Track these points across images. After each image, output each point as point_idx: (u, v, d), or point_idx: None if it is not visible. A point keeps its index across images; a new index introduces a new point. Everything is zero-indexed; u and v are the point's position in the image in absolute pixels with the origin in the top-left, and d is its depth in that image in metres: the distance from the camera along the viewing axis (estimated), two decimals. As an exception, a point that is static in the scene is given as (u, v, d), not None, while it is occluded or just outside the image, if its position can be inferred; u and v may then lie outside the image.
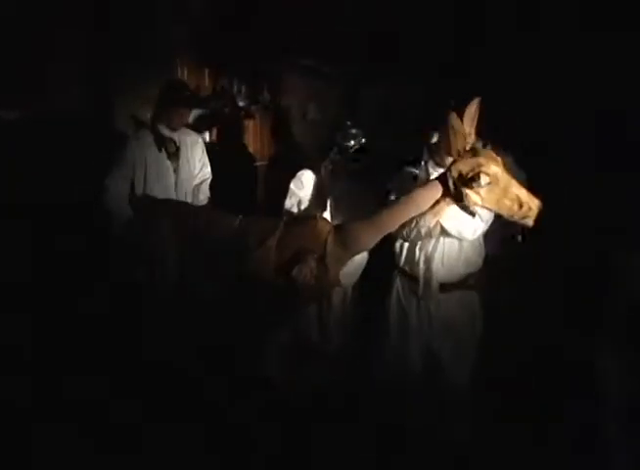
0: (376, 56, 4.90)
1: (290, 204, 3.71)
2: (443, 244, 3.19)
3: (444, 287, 3.24)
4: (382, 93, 4.87)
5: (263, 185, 5.59)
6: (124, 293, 3.54)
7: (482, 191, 2.72)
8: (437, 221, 3.01)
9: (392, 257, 3.39)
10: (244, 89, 5.96)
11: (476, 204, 2.77)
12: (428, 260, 3.22)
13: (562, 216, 3.37)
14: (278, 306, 3.20)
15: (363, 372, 3.50)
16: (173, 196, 4.15)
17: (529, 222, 2.73)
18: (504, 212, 2.76)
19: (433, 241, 3.19)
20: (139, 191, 4.04)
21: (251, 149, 5.88)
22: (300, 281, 2.98)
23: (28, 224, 4.27)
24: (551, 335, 3.44)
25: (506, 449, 3.25)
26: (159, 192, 4.08)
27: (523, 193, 2.71)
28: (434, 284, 3.23)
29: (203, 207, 4.25)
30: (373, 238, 3.00)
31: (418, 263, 3.25)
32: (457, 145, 2.78)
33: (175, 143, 4.19)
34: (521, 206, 2.70)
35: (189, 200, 4.26)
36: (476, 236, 3.10)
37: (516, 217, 2.75)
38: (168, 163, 4.16)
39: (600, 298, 3.15)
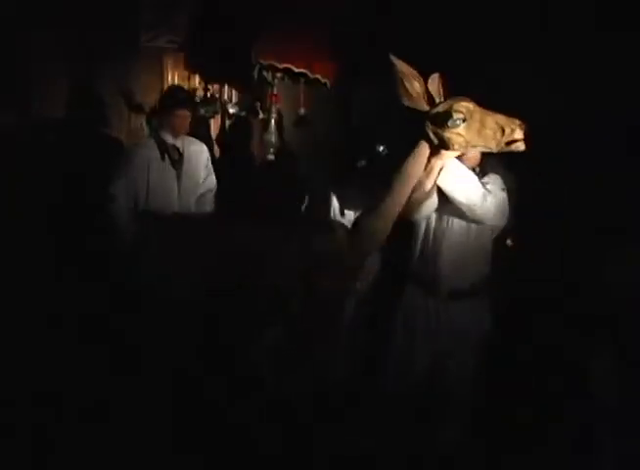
0: (367, 56, 4.91)
1: (305, 208, 3.72)
2: (451, 236, 3.20)
3: (454, 291, 3.24)
4: (374, 94, 4.87)
5: (257, 190, 5.57)
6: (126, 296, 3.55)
7: (462, 130, 2.68)
8: (434, 183, 2.95)
9: (404, 260, 3.39)
10: (235, 96, 5.96)
11: (461, 145, 2.72)
12: (436, 252, 3.24)
13: (562, 216, 3.40)
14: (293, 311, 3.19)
15: (368, 376, 3.49)
16: (176, 204, 4.20)
17: (520, 147, 2.65)
18: (491, 145, 2.69)
19: (444, 236, 3.22)
20: (142, 199, 4.09)
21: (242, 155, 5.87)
22: (321, 288, 2.98)
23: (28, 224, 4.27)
24: (551, 335, 3.44)
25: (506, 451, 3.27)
26: (161, 200, 4.13)
27: (500, 118, 2.66)
28: (444, 285, 3.24)
29: (210, 216, 4.25)
30: (388, 225, 2.95)
31: (426, 260, 3.27)
32: (415, 87, 2.74)
33: (179, 150, 4.21)
34: (503, 131, 2.64)
35: (192, 208, 4.30)
36: (487, 204, 3.02)
37: (504, 146, 2.67)
38: (172, 170, 4.17)
39: (598, 297, 3.18)
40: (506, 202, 3.07)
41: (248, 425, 3.32)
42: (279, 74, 5.35)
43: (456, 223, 3.20)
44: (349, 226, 3.21)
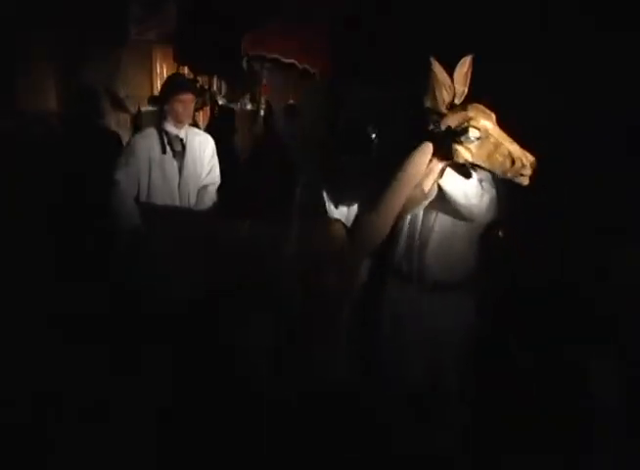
0: (359, 55, 4.89)
1: (300, 204, 3.66)
2: (439, 230, 3.14)
3: (439, 284, 3.18)
4: (367, 91, 4.86)
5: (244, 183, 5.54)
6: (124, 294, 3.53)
7: (473, 146, 2.62)
8: (433, 183, 2.87)
9: (388, 254, 3.31)
10: (224, 87, 5.92)
11: (466, 160, 2.66)
12: (422, 246, 3.18)
13: (562, 216, 3.40)
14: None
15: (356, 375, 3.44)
16: (176, 195, 4.17)
17: (524, 181, 2.62)
18: (497, 169, 2.65)
19: (433, 230, 3.15)
20: (143, 188, 4.08)
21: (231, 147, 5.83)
22: (322, 288, 2.95)
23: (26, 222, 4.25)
24: (551, 334, 3.44)
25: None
26: (162, 191, 4.11)
27: (515, 148, 2.59)
28: (429, 278, 3.18)
29: (208, 212, 4.22)
30: (386, 225, 2.92)
31: (411, 255, 3.21)
32: (443, 96, 2.67)
33: (182, 141, 4.18)
34: (513, 162, 2.59)
35: (192, 200, 4.25)
36: (483, 204, 2.97)
37: (509, 175, 2.64)
38: (174, 161, 4.14)
39: (598, 299, 3.19)
40: (495, 198, 3.02)
41: (248, 425, 3.31)
42: (268, 65, 5.34)
43: (444, 217, 3.13)
44: (343, 221, 3.19)
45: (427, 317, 3.21)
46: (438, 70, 2.66)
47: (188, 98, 4.17)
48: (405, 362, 3.28)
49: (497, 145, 2.60)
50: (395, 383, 3.32)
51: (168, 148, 4.13)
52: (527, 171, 2.58)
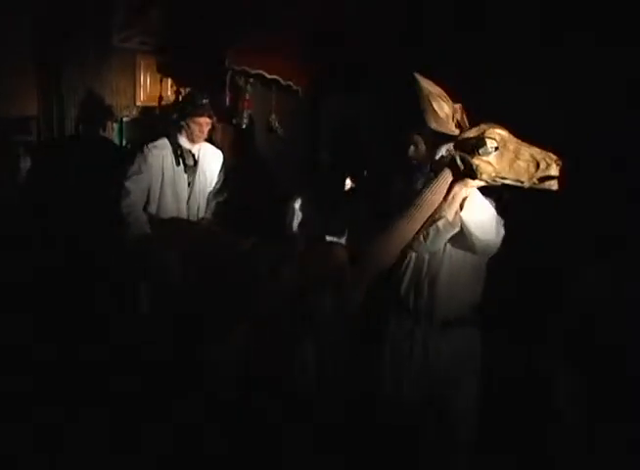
0: (340, 70, 4.93)
1: (295, 226, 3.63)
2: (448, 265, 2.98)
3: (448, 319, 3.03)
4: (346, 108, 4.89)
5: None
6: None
7: (492, 159, 2.51)
8: (457, 212, 2.71)
9: (390, 287, 3.11)
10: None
11: (490, 175, 2.54)
12: (432, 282, 3.00)
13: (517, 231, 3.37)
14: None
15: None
16: (184, 209, 4.26)
17: (554, 186, 2.50)
18: (523, 178, 2.52)
19: (442, 264, 2.98)
20: (153, 199, 4.15)
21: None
22: (321, 311, 2.93)
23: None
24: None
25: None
26: (171, 203, 4.19)
27: (535, 150, 2.51)
28: (438, 314, 3.02)
29: (212, 225, 4.29)
30: (393, 254, 2.87)
31: (420, 291, 3.03)
32: (443, 108, 2.58)
33: (194, 156, 4.20)
34: (538, 165, 2.48)
35: (201, 215, 4.35)
36: (499, 239, 2.85)
37: (536, 181, 2.50)
38: (185, 175, 4.20)
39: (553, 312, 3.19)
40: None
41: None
42: (251, 80, 5.36)
43: (454, 251, 2.97)
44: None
45: (432, 353, 3.06)
46: (426, 82, 2.59)
47: (204, 121, 4.23)
48: (407, 395, 3.11)
49: (517, 152, 2.52)
50: (396, 415, 3.14)
51: (181, 161, 4.16)
52: (554, 171, 2.48)
